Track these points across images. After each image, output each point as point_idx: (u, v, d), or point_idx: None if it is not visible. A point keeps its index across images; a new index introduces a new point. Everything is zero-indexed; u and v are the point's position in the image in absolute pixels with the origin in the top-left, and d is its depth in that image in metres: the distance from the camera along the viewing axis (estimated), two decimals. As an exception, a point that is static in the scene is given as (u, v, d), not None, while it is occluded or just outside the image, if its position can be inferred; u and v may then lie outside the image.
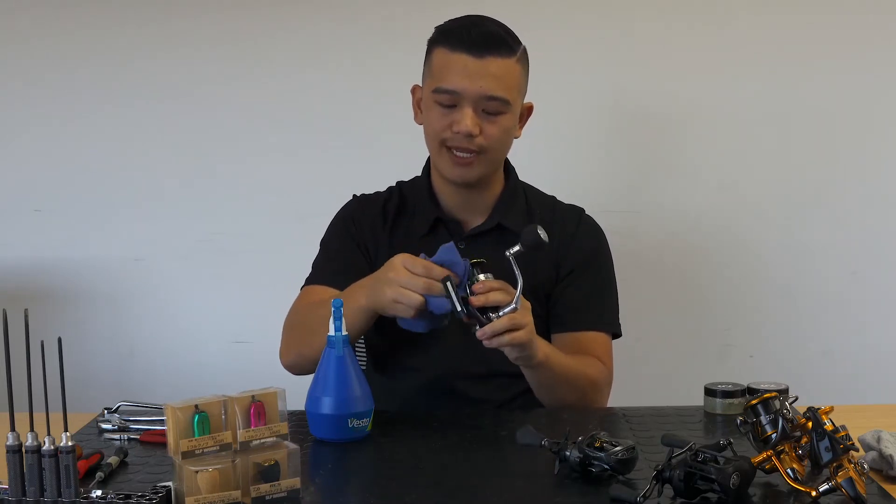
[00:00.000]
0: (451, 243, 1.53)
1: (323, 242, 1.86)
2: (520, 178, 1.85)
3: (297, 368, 1.71)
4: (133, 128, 2.45)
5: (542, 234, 1.47)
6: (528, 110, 1.78)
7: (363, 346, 1.89)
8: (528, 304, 1.52)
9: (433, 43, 1.72)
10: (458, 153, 1.69)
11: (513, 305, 1.46)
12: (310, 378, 1.49)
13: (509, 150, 1.78)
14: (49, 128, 2.46)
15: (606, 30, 2.41)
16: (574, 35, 2.40)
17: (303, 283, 1.82)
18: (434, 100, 1.68)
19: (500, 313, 1.46)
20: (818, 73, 2.41)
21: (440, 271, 1.48)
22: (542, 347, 1.57)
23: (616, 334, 1.81)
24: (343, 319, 1.47)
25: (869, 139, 2.44)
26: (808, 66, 2.41)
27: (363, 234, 1.81)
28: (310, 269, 1.83)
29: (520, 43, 1.71)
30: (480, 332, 1.47)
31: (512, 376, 1.70)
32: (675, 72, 2.41)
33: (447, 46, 1.67)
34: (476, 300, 1.46)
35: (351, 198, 1.88)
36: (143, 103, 2.44)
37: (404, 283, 1.49)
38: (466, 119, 1.65)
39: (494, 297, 1.46)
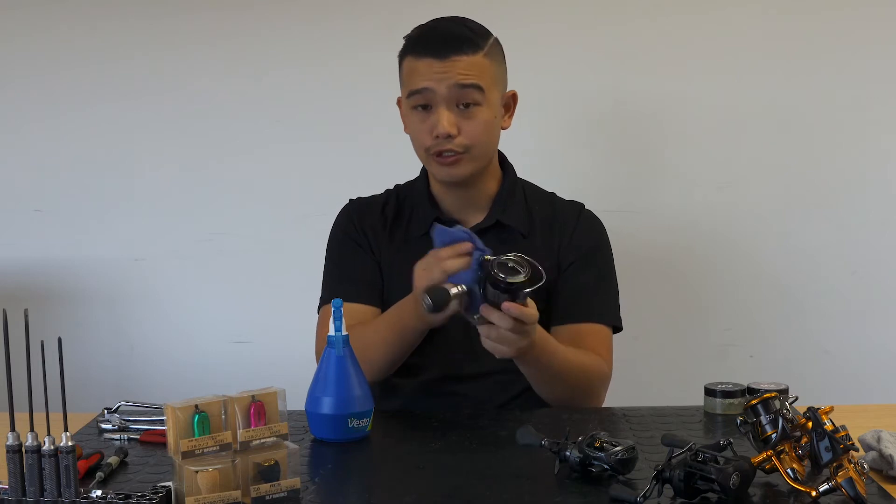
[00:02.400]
0: (438, 227, 1.53)
1: (327, 255, 1.85)
2: (518, 177, 1.85)
3: None
4: (133, 128, 2.45)
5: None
6: (512, 98, 1.78)
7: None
8: (531, 331, 1.49)
9: (401, 54, 1.73)
10: (443, 155, 1.69)
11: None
12: (310, 378, 1.49)
13: (498, 143, 1.77)
14: (49, 128, 2.46)
15: (606, 30, 2.40)
16: (573, 35, 2.40)
17: (310, 293, 1.82)
18: (410, 105, 1.69)
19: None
20: (818, 73, 2.41)
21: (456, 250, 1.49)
22: (536, 346, 1.56)
23: (617, 328, 1.81)
24: (343, 320, 1.47)
25: (869, 139, 2.44)
26: (808, 66, 2.41)
27: (365, 234, 1.81)
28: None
29: (487, 36, 1.70)
30: (485, 309, 1.45)
31: (511, 373, 1.70)
32: (675, 72, 2.41)
33: (413, 54, 1.69)
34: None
35: (347, 202, 1.88)
36: (144, 103, 2.44)
37: (427, 266, 1.51)
38: (442, 120, 1.65)
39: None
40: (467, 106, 1.67)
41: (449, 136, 1.66)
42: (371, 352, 1.62)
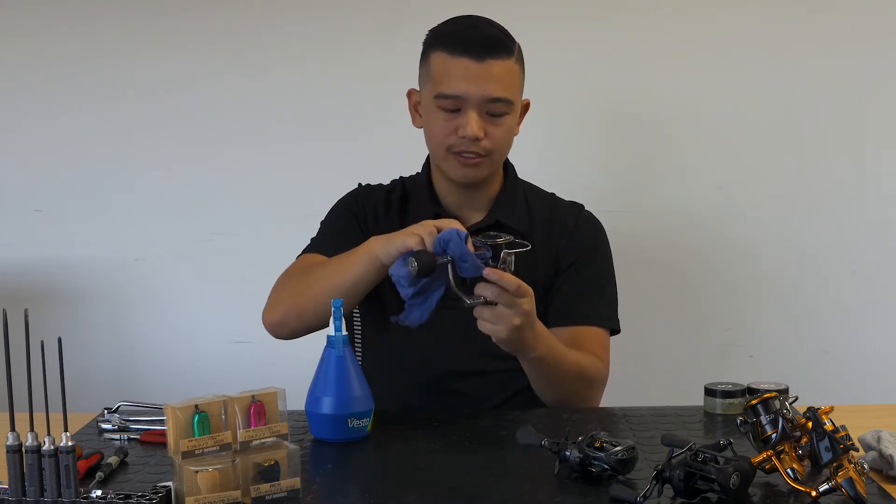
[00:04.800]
0: (452, 229, 1.52)
1: (324, 222, 1.86)
2: (519, 177, 1.85)
3: (283, 326, 1.69)
4: (133, 128, 2.45)
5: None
6: (525, 107, 1.78)
7: (360, 346, 1.90)
8: (527, 308, 1.50)
9: (430, 47, 1.72)
10: (464, 156, 1.69)
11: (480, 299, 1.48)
12: (310, 378, 1.49)
13: (510, 149, 1.78)
14: (49, 128, 2.46)
15: (606, 30, 2.41)
16: (573, 35, 2.40)
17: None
18: (437, 105, 1.68)
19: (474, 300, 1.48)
20: (818, 73, 2.41)
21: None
22: (541, 341, 1.57)
23: (614, 330, 1.81)
24: (342, 320, 1.47)
25: (869, 139, 2.44)
26: (808, 66, 2.41)
27: (366, 219, 1.81)
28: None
29: (514, 41, 1.71)
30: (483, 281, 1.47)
31: (511, 372, 1.70)
32: (676, 72, 2.41)
33: (446, 50, 1.67)
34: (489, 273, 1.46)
35: (356, 186, 1.88)
36: (144, 103, 2.44)
37: (433, 222, 1.51)
38: (472, 123, 1.65)
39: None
40: (495, 114, 1.67)
41: (476, 139, 1.66)
42: (316, 284, 1.64)
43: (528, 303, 1.50)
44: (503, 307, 1.47)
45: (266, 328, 1.71)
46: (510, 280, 1.46)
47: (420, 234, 1.49)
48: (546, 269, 1.77)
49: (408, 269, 1.46)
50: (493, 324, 1.49)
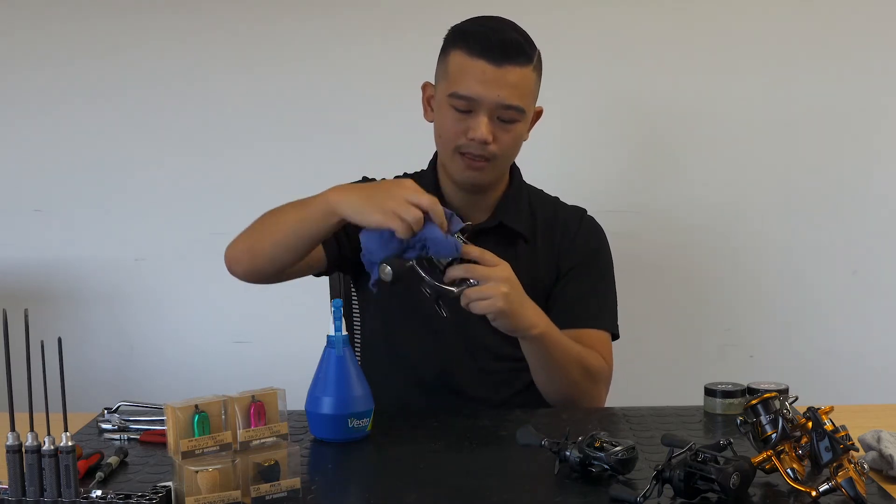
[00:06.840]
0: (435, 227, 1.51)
1: None
2: (524, 181, 1.85)
3: (237, 263, 1.68)
4: (133, 127, 2.45)
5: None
6: (537, 114, 1.78)
7: (360, 346, 1.90)
8: (506, 274, 1.52)
9: (450, 44, 1.70)
10: (471, 158, 1.69)
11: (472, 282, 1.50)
12: (310, 378, 1.49)
13: (518, 154, 1.78)
14: (49, 127, 2.46)
15: (607, 30, 2.41)
16: (574, 35, 2.40)
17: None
18: (450, 104, 1.67)
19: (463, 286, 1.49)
20: (818, 73, 2.41)
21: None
22: (542, 317, 1.58)
23: (614, 335, 1.81)
24: (342, 320, 1.47)
25: (870, 139, 2.44)
26: (809, 66, 2.41)
27: None
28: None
29: (535, 48, 1.70)
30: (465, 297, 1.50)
31: (511, 372, 1.70)
32: (676, 72, 2.41)
33: (465, 50, 1.66)
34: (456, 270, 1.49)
35: (360, 179, 1.88)
36: (144, 103, 2.44)
37: (413, 199, 1.47)
38: (482, 127, 1.64)
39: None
40: (506, 120, 1.67)
41: (484, 143, 1.66)
42: (272, 226, 1.65)
43: (505, 269, 1.51)
44: (484, 279, 1.49)
45: (225, 262, 1.70)
46: (472, 249, 1.49)
47: (408, 221, 1.46)
48: (547, 272, 1.77)
49: (378, 273, 1.48)
50: (484, 300, 1.49)
